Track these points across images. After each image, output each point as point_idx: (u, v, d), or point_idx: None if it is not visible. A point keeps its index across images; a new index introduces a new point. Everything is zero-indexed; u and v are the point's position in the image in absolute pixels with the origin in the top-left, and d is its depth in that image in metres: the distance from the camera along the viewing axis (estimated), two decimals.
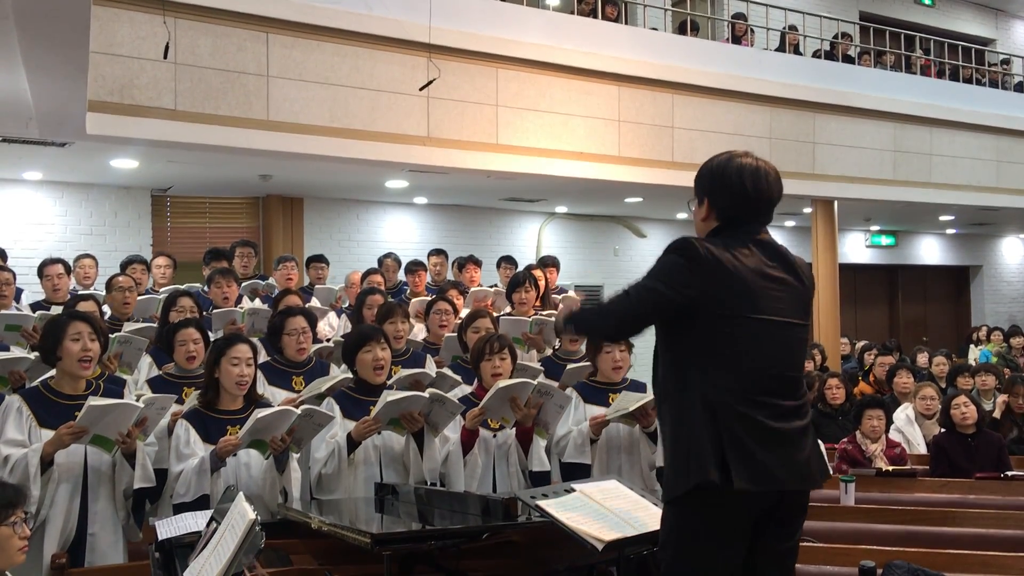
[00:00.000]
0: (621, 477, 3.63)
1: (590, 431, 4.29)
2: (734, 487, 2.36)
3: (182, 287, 6.02)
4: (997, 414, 6.33)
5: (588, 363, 4.69)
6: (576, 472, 4.19)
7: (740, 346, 2.46)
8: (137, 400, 3.75)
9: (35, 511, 3.42)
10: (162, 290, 6.54)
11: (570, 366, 4.99)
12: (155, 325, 5.32)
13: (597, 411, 4.34)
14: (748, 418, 2.42)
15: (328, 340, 5.62)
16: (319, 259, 7.79)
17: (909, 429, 6.40)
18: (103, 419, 3.44)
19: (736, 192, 2.57)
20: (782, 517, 2.53)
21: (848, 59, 11.34)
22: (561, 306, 2.96)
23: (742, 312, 2.46)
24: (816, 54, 11.00)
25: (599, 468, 4.30)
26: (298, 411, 3.65)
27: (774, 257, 2.57)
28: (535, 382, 4.17)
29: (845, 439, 5.63)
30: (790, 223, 13.55)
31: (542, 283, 6.67)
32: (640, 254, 13.09)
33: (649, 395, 4.16)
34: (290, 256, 7.42)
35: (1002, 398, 6.45)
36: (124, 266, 6.69)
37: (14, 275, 5.94)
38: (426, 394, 3.97)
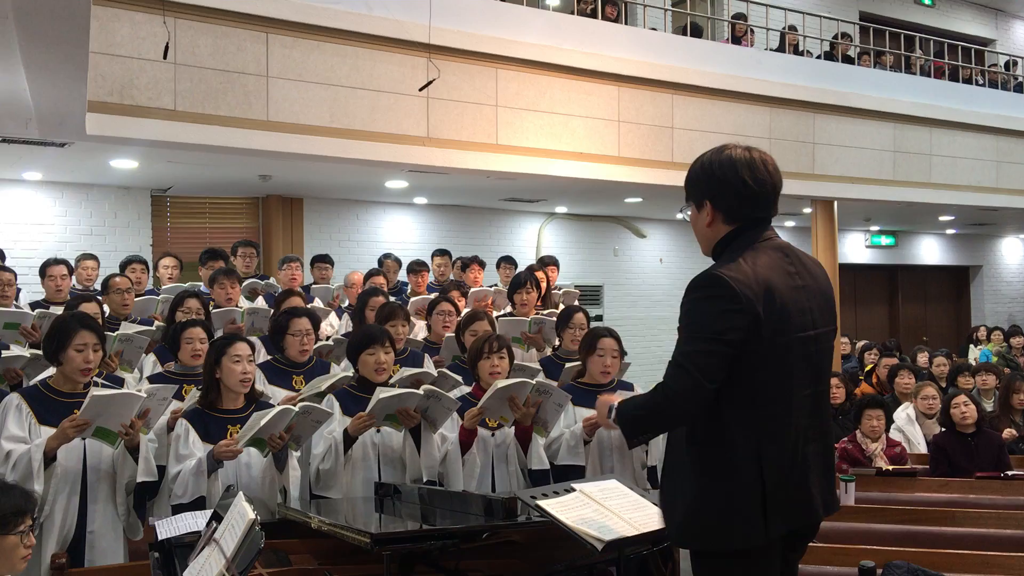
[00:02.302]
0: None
1: (583, 432, 4.29)
2: (770, 535, 2.33)
3: (188, 288, 6.01)
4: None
5: None
6: (569, 474, 4.16)
7: (777, 371, 2.35)
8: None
9: (38, 506, 3.42)
10: (165, 289, 6.54)
11: (568, 365, 4.99)
12: (153, 327, 5.33)
13: (586, 413, 4.32)
14: (787, 454, 2.35)
15: (328, 339, 5.62)
16: (324, 259, 7.81)
17: (910, 428, 6.40)
18: (106, 410, 3.44)
19: (738, 188, 2.43)
20: (802, 534, 2.52)
21: (848, 59, 11.33)
22: (597, 412, 2.74)
23: (780, 336, 2.34)
24: (816, 56, 11.01)
25: (591, 469, 4.30)
26: (296, 409, 3.66)
27: (794, 263, 2.46)
28: (533, 381, 4.17)
29: (845, 439, 5.64)
30: (790, 223, 13.54)
31: (544, 284, 6.68)
32: (640, 254, 13.10)
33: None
34: (295, 256, 7.43)
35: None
36: (123, 266, 6.69)
37: (15, 275, 5.95)
38: (420, 391, 3.97)
